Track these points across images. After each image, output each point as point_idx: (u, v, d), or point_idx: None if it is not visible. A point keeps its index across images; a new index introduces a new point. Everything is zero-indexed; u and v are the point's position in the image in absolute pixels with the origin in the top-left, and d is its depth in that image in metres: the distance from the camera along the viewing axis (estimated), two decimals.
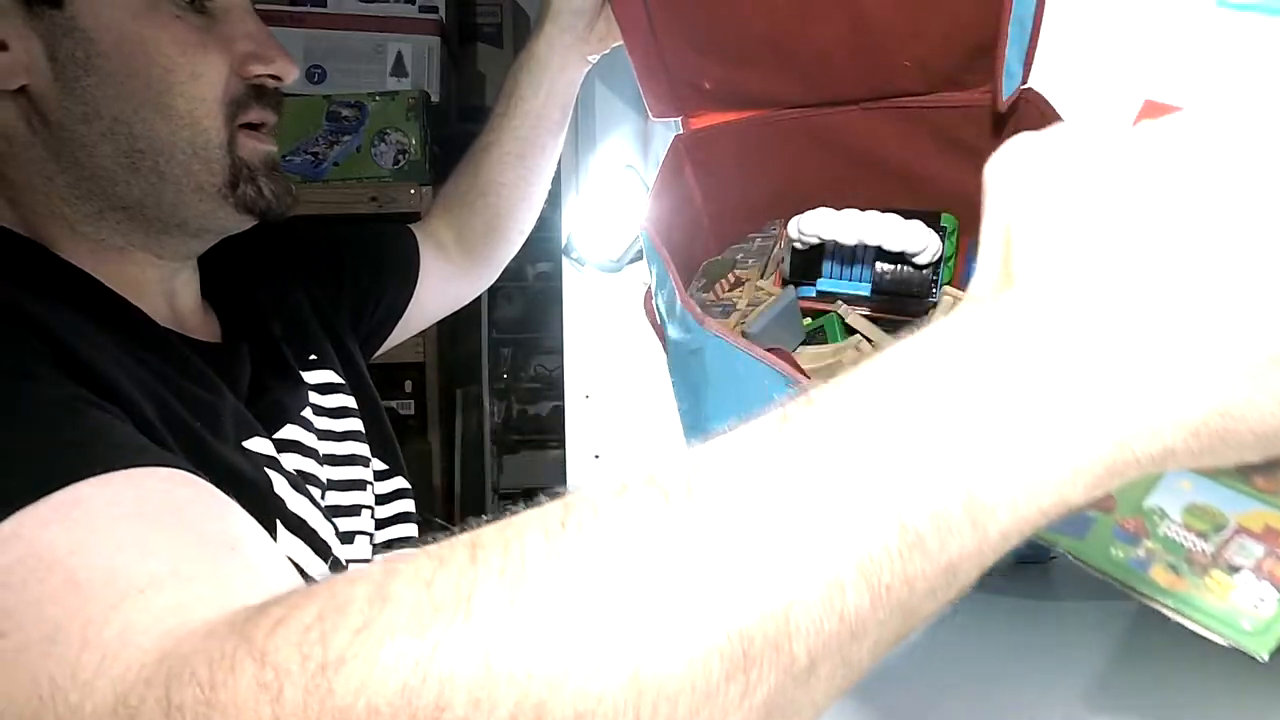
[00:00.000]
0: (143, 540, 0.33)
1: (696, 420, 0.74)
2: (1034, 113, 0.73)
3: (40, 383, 0.40)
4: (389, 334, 0.85)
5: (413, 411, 1.89)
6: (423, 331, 1.82)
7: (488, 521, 0.26)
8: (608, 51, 0.84)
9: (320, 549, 0.56)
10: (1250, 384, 0.22)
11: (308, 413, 0.63)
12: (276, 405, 0.60)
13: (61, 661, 0.28)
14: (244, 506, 0.46)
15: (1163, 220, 0.23)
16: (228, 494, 0.45)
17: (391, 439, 0.72)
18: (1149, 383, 0.22)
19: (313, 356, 0.67)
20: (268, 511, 0.51)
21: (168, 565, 0.31)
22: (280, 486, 0.53)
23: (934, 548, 0.23)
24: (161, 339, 0.53)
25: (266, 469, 0.53)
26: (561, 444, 1.10)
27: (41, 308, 0.44)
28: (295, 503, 0.55)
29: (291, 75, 0.58)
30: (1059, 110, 0.70)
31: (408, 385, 1.88)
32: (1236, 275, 0.22)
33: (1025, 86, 0.72)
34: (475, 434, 2.33)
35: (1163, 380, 0.22)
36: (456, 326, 2.17)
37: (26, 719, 0.28)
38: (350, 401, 0.68)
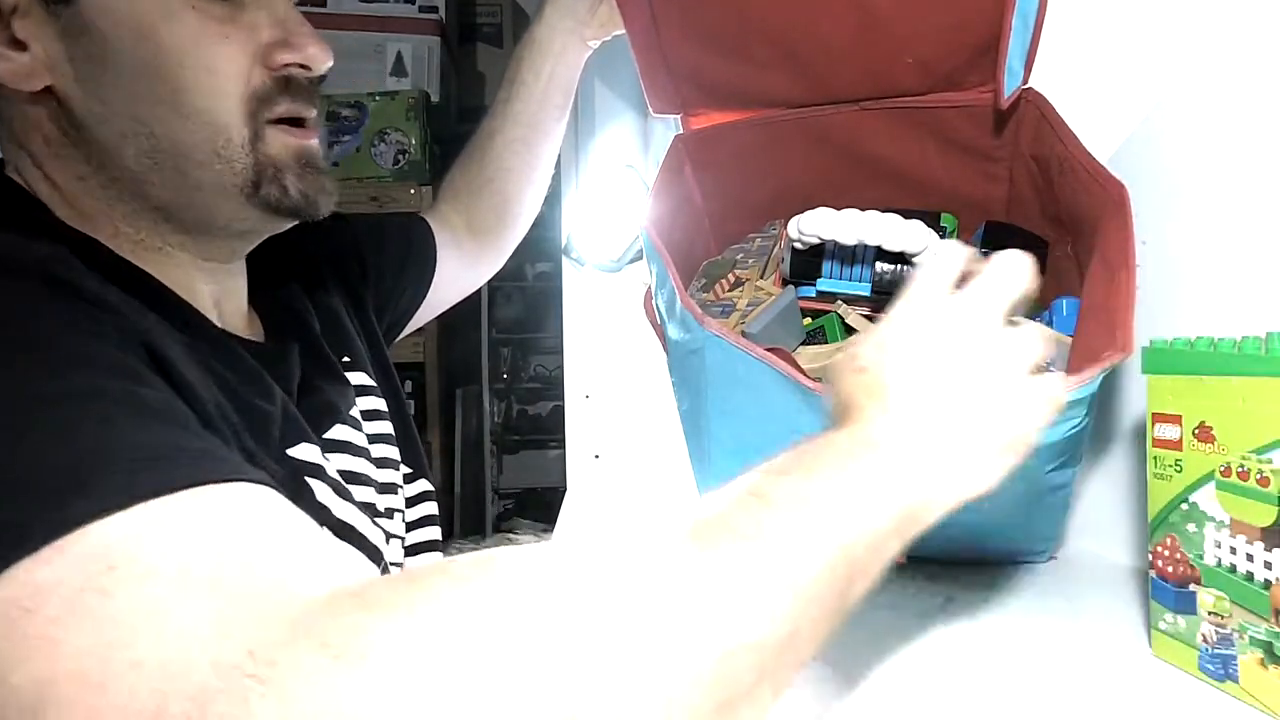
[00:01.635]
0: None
1: (696, 420, 0.74)
2: (1033, 112, 0.72)
3: (143, 385, 0.38)
4: (407, 324, 0.84)
5: (413, 411, 1.88)
6: (422, 331, 1.82)
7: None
8: (609, 39, 0.84)
9: (372, 554, 0.54)
10: (990, 463, 0.42)
11: (355, 412, 0.62)
12: (327, 405, 0.59)
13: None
14: None
15: (926, 377, 0.41)
16: None
17: (417, 441, 0.71)
18: (936, 469, 0.40)
19: (346, 358, 0.66)
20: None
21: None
22: (323, 494, 0.52)
23: (868, 533, 0.36)
24: (218, 339, 0.51)
25: (308, 477, 0.51)
26: (561, 444, 1.10)
27: (126, 304, 0.43)
28: (341, 509, 0.53)
29: (322, 64, 0.54)
30: (1059, 111, 0.70)
31: (408, 385, 1.88)
32: (970, 402, 0.41)
33: (1026, 86, 0.72)
34: (475, 434, 2.33)
35: (942, 466, 0.40)
36: (456, 326, 2.17)
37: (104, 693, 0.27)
38: (381, 404, 0.67)
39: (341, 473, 0.57)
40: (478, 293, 2.51)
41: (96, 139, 0.49)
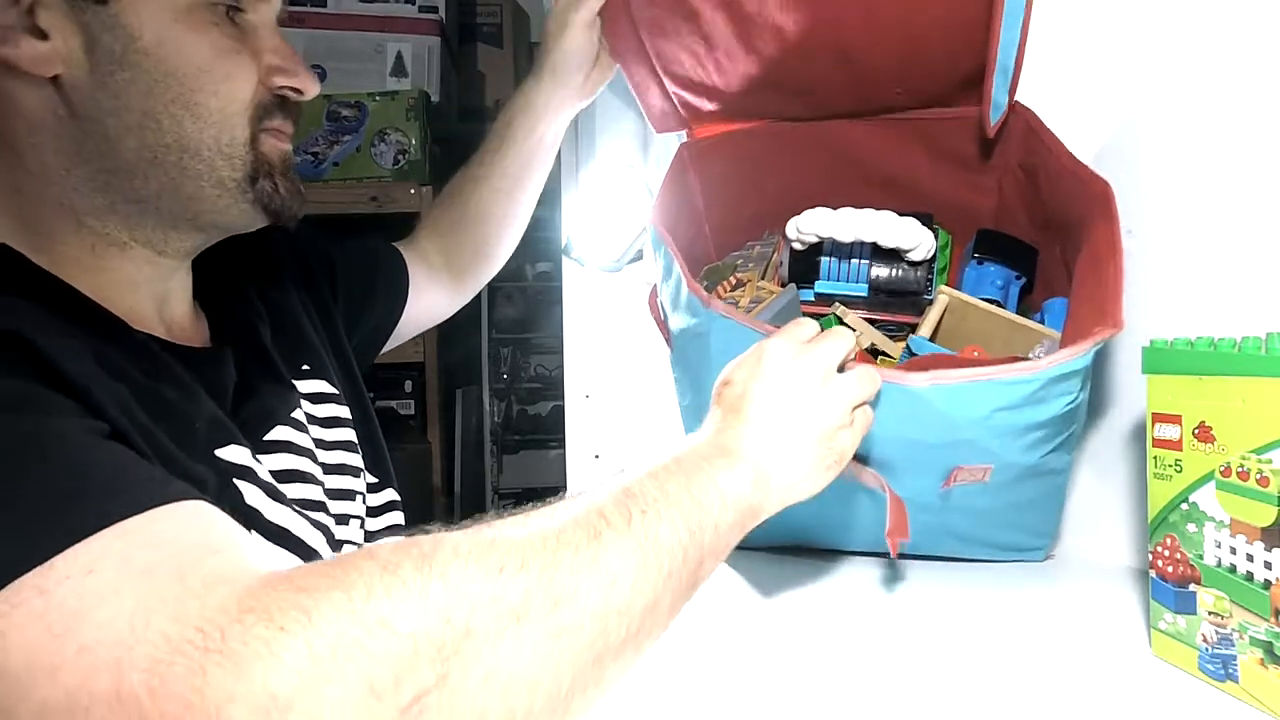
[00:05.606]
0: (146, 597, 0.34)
1: (698, 412, 0.74)
2: (1021, 125, 0.75)
3: (49, 416, 0.40)
4: (382, 346, 0.87)
5: (413, 411, 1.88)
6: (422, 331, 1.82)
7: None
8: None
9: (308, 556, 0.55)
10: (816, 474, 0.53)
11: (299, 415, 0.63)
12: (264, 408, 0.61)
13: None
14: None
15: (776, 402, 0.53)
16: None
17: (384, 452, 0.72)
18: (775, 475, 0.51)
19: (305, 366, 0.68)
20: (239, 521, 0.52)
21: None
22: (253, 496, 0.54)
23: (714, 523, 0.46)
24: (132, 339, 0.54)
25: (236, 479, 0.53)
26: (561, 444, 1.10)
27: (13, 316, 0.45)
28: (273, 512, 0.54)
29: (312, 90, 0.61)
30: (1045, 120, 0.72)
31: (408, 385, 1.88)
32: (805, 425, 0.53)
33: (1013, 100, 0.73)
34: (475, 434, 2.33)
35: (780, 473, 0.51)
36: (456, 326, 2.16)
37: None
38: (343, 412, 0.68)
39: (280, 472, 0.58)
40: (478, 293, 2.49)
41: (97, 130, 0.52)
